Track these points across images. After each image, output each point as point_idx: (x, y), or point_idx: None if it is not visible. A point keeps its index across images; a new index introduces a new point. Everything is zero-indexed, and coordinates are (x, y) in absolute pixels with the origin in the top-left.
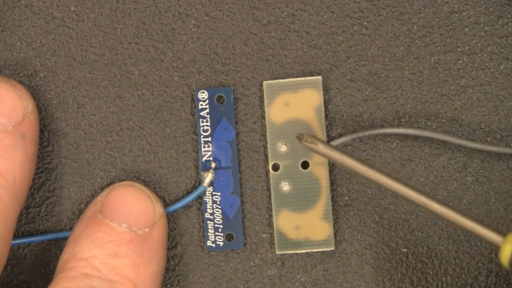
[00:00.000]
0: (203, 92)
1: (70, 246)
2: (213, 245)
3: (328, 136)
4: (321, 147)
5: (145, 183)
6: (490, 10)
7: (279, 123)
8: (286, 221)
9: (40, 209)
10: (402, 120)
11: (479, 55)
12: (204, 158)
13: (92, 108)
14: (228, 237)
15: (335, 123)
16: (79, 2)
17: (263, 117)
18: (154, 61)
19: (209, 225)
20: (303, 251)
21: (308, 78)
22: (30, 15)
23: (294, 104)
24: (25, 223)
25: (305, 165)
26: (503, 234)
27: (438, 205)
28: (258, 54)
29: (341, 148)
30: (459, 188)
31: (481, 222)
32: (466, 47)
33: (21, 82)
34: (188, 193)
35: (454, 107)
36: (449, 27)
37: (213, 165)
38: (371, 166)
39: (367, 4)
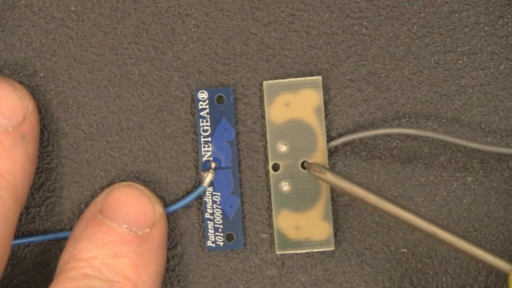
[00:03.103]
0: (203, 92)
1: (70, 247)
2: (213, 245)
3: (328, 136)
4: (329, 176)
5: (145, 183)
6: (490, 10)
7: (279, 123)
8: (286, 221)
9: (40, 209)
10: (402, 120)
11: (479, 55)
12: (204, 158)
13: (92, 108)
14: (228, 237)
15: (335, 123)
16: (79, 2)
17: (263, 117)
18: (154, 61)
19: (209, 225)
20: (303, 251)
21: (308, 78)
22: (30, 15)
23: (294, 104)
24: (25, 223)
25: None
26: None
27: (448, 234)
28: (258, 54)
29: (349, 176)
30: (459, 188)
31: (490, 251)
32: (466, 47)
33: (21, 82)
34: (188, 193)
35: (454, 107)
36: (449, 27)
37: (213, 165)
38: (380, 195)
39: (367, 4)
